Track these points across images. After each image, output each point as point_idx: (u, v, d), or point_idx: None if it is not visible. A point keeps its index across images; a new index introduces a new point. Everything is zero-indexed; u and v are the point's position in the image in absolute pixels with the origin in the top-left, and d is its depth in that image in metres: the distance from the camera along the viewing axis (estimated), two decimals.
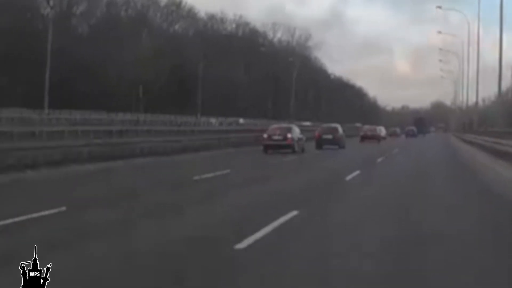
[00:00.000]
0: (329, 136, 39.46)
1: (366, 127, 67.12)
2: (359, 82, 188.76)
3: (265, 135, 33.23)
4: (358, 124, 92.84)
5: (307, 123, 72.73)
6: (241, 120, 57.10)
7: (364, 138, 58.39)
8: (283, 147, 31.83)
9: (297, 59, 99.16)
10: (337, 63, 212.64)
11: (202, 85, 65.41)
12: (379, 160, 26.93)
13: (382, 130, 73.74)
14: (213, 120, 56.23)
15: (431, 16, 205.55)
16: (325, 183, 16.41)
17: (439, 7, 72.89)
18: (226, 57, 75.10)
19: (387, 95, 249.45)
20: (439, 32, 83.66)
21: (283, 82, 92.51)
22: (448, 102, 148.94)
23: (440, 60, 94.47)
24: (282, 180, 17.28)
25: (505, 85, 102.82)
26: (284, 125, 38.11)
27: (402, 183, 16.61)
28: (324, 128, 41.37)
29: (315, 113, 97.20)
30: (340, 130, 41.29)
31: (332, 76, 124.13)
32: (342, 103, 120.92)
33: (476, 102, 56.64)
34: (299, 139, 33.36)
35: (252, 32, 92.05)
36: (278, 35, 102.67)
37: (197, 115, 61.93)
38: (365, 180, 17.05)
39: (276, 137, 32.42)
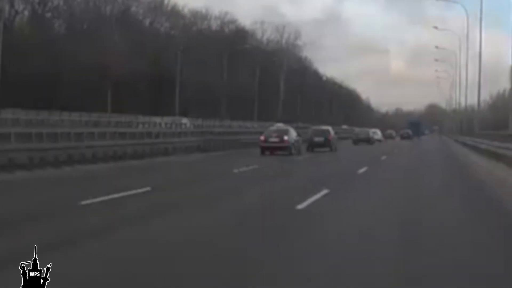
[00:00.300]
0: (321, 139, 39.12)
1: (358, 129, 68.81)
2: (353, 83, 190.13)
3: (262, 137, 33.82)
4: (345, 127, 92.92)
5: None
6: (185, 121, 53.38)
7: (357, 141, 59.39)
8: (280, 149, 32.39)
9: (286, 59, 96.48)
10: (331, 64, 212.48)
11: (180, 85, 61.15)
12: (362, 171, 22.73)
13: (377, 133, 75.62)
14: (185, 120, 52.16)
15: (428, 17, 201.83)
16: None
17: None
18: (208, 56, 71.30)
19: (381, 97, 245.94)
20: (435, 27, 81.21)
21: (270, 82, 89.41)
22: (442, 104, 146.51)
23: (436, 60, 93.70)
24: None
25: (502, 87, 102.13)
26: (281, 127, 38.37)
27: None
28: (315, 131, 40.92)
29: (305, 115, 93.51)
30: (332, 132, 41.08)
31: (324, 78, 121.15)
32: (334, 105, 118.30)
33: (478, 104, 52.49)
34: (296, 141, 33.88)
35: (238, 30, 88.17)
36: (267, 34, 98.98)
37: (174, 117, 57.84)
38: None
39: (272, 139, 33.01)
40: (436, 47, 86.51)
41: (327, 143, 39.10)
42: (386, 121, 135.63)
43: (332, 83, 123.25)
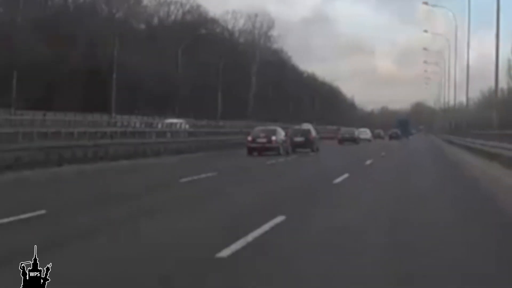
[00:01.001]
0: (301, 139, 38.01)
1: (344, 129, 67.19)
2: (340, 83, 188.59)
3: (250, 138, 33.96)
4: (332, 127, 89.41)
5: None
6: (175, 120, 49.36)
7: (343, 140, 59.31)
8: (268, 149, 32.66)
9: (258, 51, 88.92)
10: (318, 64, 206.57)
11: (127, 78, 54.76)
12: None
13: (367, 133, 77.57)
14: (175, 120, 48.50)
15: (416, 17, 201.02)
16: None
17: (425, 3, 73.87)
18: (166, 45, 65.38)
19: (367, 96, 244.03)
20: (425, 31, 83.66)
21: (242, 76, 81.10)
22: (430, 102, 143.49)
23: (425, 62, 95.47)
24: None
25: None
26: (269, 127, 38.31)
27: None
28: (295, 130, 39.84)
29: (282, 113, 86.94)
30: (314, 132, 40.20)
31: (305, 74, 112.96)
32: (316, 102, 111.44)
33: (467, 101, 48.61)
34: (284, 142, 34.04)
35: (203, 18, 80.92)
36: (240, 24, 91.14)
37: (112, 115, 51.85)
38: None
39: (260, 140, 33.15)
40: (425, 48, 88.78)
41: (307, 144, 38.04)
42: (372, 120, 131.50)
43: (313, 80, 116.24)
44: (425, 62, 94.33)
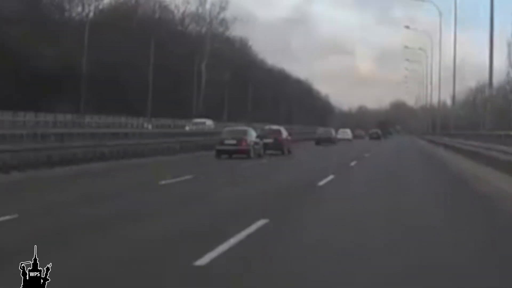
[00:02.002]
0: (270, 140, 36.05)
1: (321, 129, 66.60)
2: (319, 83, 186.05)
3: (219, 139, 32.87)
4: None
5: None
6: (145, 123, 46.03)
7: (320, 140, 58.42)
8: (237, 152, 31.20)
9: (209, 37, 79.34)
10: (296, 65, 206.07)
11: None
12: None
13: (348, 133, 78.52)
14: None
15: (398, 17, 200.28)
16: None
17: (407, 26, 76.06)
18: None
19: (346, 97, 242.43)
20: (407, 27, 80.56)
21: (191, 69, 73.48)
22: (410, 102, 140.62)
23: (407, 59, 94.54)
24: None
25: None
26: (240, 127, 37.14)
27: None
28: (264, 131, 38.03)
29: (246, 112, 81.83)
30: (285, 133, 38.49)
31: (274, 70, 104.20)
32: (285, 100, 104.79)
33: (453, 98, 46.08)
34: (256, 143, 32.64)
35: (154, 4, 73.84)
36: (192, 8, 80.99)
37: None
38: None
39: (229, 141, 31.74)
40: (406, 46, 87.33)
41: (277, 146, 36.50)
42: (350, 120, 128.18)
43: (284, 77, 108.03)
44: (407, 60, 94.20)
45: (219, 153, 31.58)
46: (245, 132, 32.88)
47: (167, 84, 64.77)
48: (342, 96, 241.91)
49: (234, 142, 31.61)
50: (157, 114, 61.02)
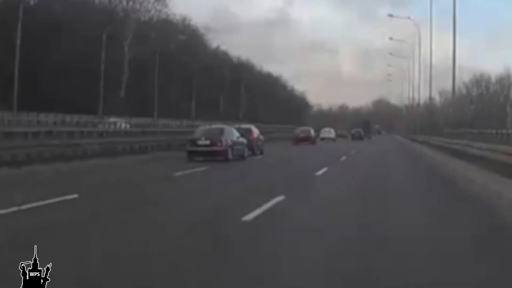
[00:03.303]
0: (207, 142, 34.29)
1: (300, 128, 65.84)
2: (301, 84, 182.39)
3: (190, 139, 30.97)
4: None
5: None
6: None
7: (298, 140, 57.77)
8: (212, 154, 28.92)
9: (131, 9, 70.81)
10: (277, 65, 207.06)
11: None
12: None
13: (331, 132, 79.45)
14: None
15: (379, 17, 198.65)
16: None
17: (391, 15, 74.49)
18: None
19: (326, 97, 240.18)
20: (391, 39, 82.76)
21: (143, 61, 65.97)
22: (392, 100, 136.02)
23: (391, 53, 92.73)
24: None
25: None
26: (215, 126, 35.04)
27: None
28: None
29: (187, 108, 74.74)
30: (256, 132, 36.98)
31: (236, 62, 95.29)
32: (252, 96, 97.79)
33: (453, 92, 41.32)
34: (235, 143, 30.58)
35: None
36: None
37: None
38: None
39: (202, 142, 29.49)
40: (391, 38, 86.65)
41: (248, 146, 33.72)
42: (331, 119, 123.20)
43: (247, 68, 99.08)
44: (390, 54, 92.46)
45: (191, 154, 29.37)
46: (221, 131, 30.70)
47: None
48: (324, 97, 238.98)
49: (207, 143, 29.44)
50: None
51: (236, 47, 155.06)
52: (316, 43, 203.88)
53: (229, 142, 29.89)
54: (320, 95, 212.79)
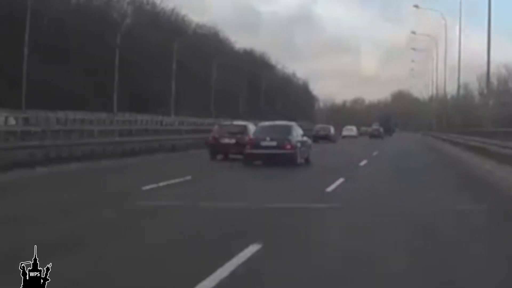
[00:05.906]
0: (232, 141, 30.93)
1: (319, 126, 68.06)
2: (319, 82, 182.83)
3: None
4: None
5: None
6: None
7: (317, 138, 56.73)
8: (278, 158, 25.25)
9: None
10: (299, 63, 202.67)
11: None
12: None
13: (353, 130, 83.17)
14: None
15: (403, 15, 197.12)
16: None
17: (416, 6, 76.10)
18: None
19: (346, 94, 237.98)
20: (413, 33, 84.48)
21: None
22: (414, 93, 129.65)
23: (414, 48, 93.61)
24: None
25: None
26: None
27: None
28: (225, 128, 32.44)
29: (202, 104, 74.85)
30: (252, 130, 33.64)
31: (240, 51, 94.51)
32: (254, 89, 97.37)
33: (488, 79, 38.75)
34: (302, 144, 26.64)
35: None
36: None
37: None
38: None
39: (266, 143, 25.85)
40: (413, 32, 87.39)
41: (242, 147, 30.65)
42: (344, 115, 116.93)
43: (249, 57, 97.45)
44: (413, 48, 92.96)
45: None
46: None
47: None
48: (342, 94, 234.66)
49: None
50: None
51: (256, 44, 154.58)
52: (336, 41, 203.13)
53: (298, 144, 26.37)
54: (339, 93, 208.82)
